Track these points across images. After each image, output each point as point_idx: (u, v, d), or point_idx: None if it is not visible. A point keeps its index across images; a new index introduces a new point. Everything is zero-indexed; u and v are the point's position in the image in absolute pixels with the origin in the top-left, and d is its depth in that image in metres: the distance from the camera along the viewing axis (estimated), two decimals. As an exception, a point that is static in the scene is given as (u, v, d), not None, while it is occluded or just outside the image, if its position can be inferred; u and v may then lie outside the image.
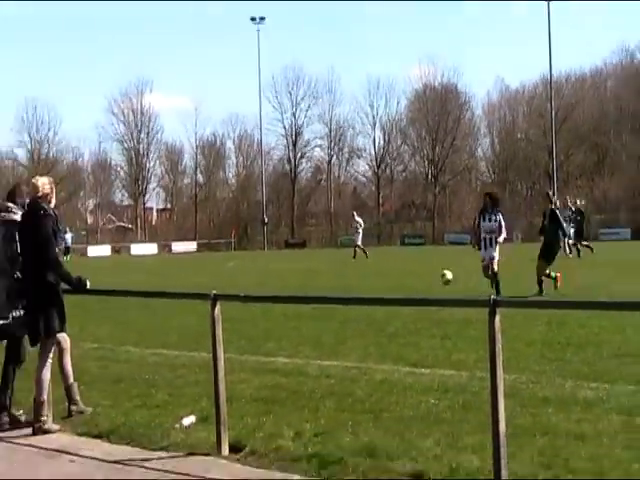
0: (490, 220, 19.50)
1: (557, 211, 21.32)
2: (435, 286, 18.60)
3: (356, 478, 6.51)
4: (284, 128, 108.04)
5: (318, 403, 8.88)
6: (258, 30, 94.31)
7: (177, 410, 8.76)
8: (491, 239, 19.40)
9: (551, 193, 23.85)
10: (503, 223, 19.59)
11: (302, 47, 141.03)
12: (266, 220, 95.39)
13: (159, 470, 7.07)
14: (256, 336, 14.12)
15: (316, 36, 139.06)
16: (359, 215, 47.74)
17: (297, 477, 6.69)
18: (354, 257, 42.61)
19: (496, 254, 19.29)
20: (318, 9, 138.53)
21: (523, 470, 6.27)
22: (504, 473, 5.91)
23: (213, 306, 7.73)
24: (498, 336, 6.06)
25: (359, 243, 44.67)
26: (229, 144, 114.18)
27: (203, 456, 7.38)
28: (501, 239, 19.46)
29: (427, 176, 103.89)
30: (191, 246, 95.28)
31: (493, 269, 19.06)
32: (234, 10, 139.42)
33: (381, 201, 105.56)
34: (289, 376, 10.57)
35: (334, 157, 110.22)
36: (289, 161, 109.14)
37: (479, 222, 19.93)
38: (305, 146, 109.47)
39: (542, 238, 21.37)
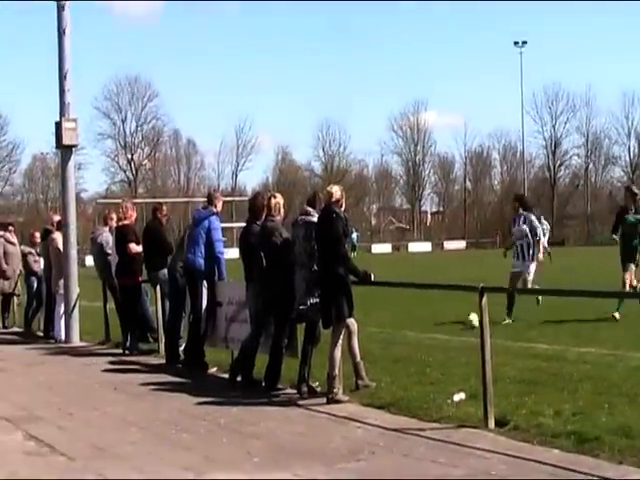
0: (519, 224, 15.53)
1: None
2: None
3: (612, 455, 6.25)
4: (544, 139, 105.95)
5: (576, 386, 8.60)
6: (520, 53, 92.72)
7: (448, 387, 8.74)
8: (522, 246, 15.44)
9: (634, 187, 15.87)
10: (536, 225, 15.49)
11: (561, 65, 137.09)
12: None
13: (433, 439, 7.06)
14: (518, 324, 13.85)
15: (574, 55, 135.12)
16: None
17: (557, 451, 6.49)
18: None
19: (531, 269, 15.39)
20: (576, 31, 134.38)
21: None
22: None
23: (481, 297, 7.64)
24: None
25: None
26: (494, 154, 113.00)
27: (471, 429, 7.31)
28: (541, 245, 15.83)
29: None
30: (461, 244, 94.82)
31: (525, 283, 15.18)
32: (499, 35, 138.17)
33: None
34: (549, 361, 10.30)
35: (591, 164, 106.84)
36: (549, 169, 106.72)
37: (509, 229, 16.20)
38: (563, 155, 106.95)
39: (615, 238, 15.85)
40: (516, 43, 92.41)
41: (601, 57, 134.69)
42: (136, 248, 13.26)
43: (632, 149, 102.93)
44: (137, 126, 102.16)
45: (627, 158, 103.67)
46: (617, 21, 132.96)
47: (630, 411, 7.40)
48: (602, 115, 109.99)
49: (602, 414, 7.32)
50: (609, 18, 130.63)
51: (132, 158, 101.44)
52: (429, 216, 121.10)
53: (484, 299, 7.61)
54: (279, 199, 9.97)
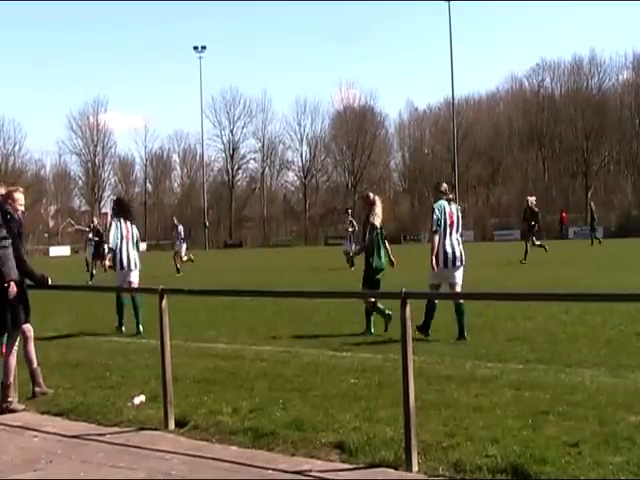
0: None
1: None
2: (355, 280, 18.59)
3: (286, 447, 6.50)
4: (223, 143, 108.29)
5: (253, 383, 8.85)
6: (200, 57, 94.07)
7: (129, 390, 8.65)
8: None
9: None
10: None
11: (239, 71, 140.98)
12: (207, 224, 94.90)
13: (113, 443, 6.97)
14: (198, 325, 14.02)
15: (251, 62, 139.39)
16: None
17: (235, 448, 6.65)
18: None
19: None
20: (254, 38, 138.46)
21: (430, 438, 6.32)
22: (413, 441, 5.94)
23: (161, 299, 7.64)
24: (408, 323, 6.09)
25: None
26: (174, 157, 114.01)
27: (152, 431, 7.29)
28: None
29: (347, 185, 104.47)
30: (141, 246, 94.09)
31: None
32: (179, 39, 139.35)
33: (307, 207, 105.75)
34: (227, 360, 10.51)
35: (266, 169, 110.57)
36: (227, 172, 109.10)
37: None
38: (241, 159, 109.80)
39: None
40: (195, 48, 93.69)
41: (276, 63, 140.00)
42: None
43: (304, 154, 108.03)
44: None
45: (300, 163, 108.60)
46: (288, 28, 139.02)
47: (302, 405, 7.74)
48: (277, 121, 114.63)
49: (277, 409, 7.58)
50: (282, 24, 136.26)
51: None
52: (109, 218, 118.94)
53: (164, 301, 7.61)
54: None
